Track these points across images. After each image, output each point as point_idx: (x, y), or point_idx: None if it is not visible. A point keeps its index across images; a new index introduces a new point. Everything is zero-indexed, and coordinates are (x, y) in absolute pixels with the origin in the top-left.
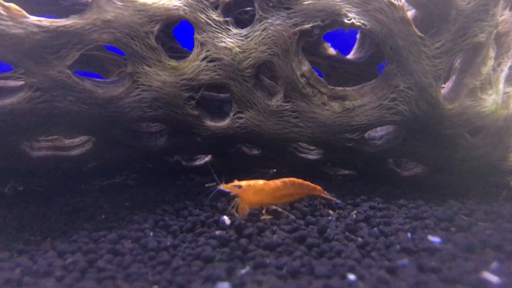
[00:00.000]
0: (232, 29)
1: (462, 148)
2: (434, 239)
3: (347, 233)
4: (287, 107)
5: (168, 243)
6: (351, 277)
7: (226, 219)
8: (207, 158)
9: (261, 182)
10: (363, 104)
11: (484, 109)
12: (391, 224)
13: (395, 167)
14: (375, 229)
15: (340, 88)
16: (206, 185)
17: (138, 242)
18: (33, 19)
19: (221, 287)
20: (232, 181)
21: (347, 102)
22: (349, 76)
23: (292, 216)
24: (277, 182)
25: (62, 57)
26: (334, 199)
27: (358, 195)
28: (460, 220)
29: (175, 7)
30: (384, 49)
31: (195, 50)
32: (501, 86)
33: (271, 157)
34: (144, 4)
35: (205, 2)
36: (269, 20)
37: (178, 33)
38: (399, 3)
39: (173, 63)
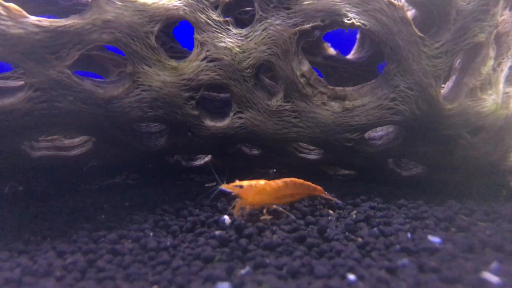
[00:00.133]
0: (232, 29)
1: (462, 148)
2: (434, 239)
3: (347, 233)
4: (287, 107)
5: (168, 243)
6: (351, 277)
7: (226, 218)
8: (207, 158)
9: (262, 182)
10: (363, 104)
11: (484, 109)
12: (391, 224)
13: (395, 167)
14: (375, 229)
15: (340, 88)
16: (206, 185)
17: (138, 242)
18: (33, 19)
19: (221, 287)
20: (233, 181)
21: (347, 102)
22: (349, 76)
23: (292, 216)
24: (278, 182)
25: (62, 57)
26: (334, 199)
27: (358, 195)
28: (460, 220)
29: (175, 7)
30: (384, 49)
31: (195, 50)
32: (501, 86)
33: (271, 157)
34: (144, 4)
35: (205, 2)
36: (269, 20)
37: (178, 33)
38: (399, 3)
39: (173, 63)
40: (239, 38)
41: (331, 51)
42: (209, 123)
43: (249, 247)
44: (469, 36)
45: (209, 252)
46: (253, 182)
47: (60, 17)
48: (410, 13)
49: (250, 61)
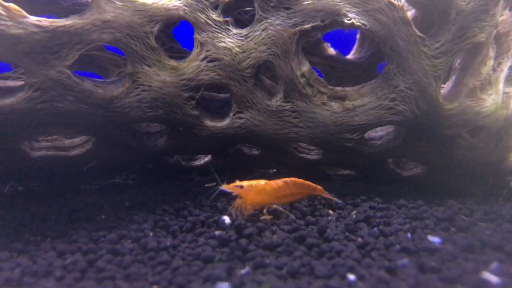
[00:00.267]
0: (232, 29)
1: (462, 148)
2: (434, 239)
3: (347, 233)
4: (287, 107)
5: (168, 243)
6: (351, 277)
7: (226, 219)
8: (207, 158)
9: (262, 182)
10: (363, 104)
11: (484, 109)
12: (391, 224)
13: (395, 167)
14: (375, 229)
15: (340, 88)
16: (206, 185)
17: (138, 242)
18: (33, 19)
19: (221, 287)
20: (233, 181)
21: (347, 102)
22: (349, 76)
23: (292, 216)
24: (279, 182)
25: (62, 57)
26: (334, 199)
27: (358, 195)
28: (460, 220)
29: (175, 7)
30: (384, 49)
31: (195, 50)
32: (501, 86)
33: (271, 157)
34: (144, 4)
35: (205, 2)
36: (269, 20)
37: (178, 33)
38: (399, 3)
39: (173, 63)
40: (239, 38)
41: (331, 51)
42: (209, 123)
43: (249, 247)
44: (469, 36)
45: (209, 252)
46: (253, 182)
47: (60, 17)
48: (410, 13)
49: (250, 61)
